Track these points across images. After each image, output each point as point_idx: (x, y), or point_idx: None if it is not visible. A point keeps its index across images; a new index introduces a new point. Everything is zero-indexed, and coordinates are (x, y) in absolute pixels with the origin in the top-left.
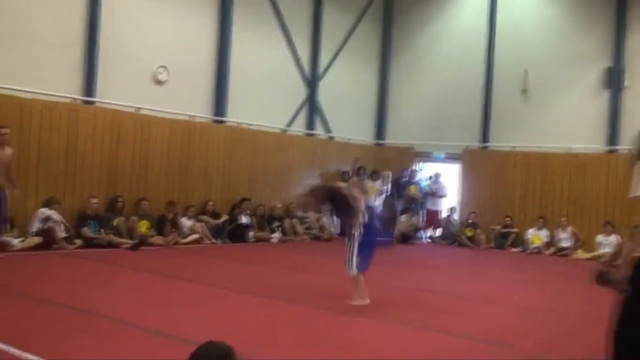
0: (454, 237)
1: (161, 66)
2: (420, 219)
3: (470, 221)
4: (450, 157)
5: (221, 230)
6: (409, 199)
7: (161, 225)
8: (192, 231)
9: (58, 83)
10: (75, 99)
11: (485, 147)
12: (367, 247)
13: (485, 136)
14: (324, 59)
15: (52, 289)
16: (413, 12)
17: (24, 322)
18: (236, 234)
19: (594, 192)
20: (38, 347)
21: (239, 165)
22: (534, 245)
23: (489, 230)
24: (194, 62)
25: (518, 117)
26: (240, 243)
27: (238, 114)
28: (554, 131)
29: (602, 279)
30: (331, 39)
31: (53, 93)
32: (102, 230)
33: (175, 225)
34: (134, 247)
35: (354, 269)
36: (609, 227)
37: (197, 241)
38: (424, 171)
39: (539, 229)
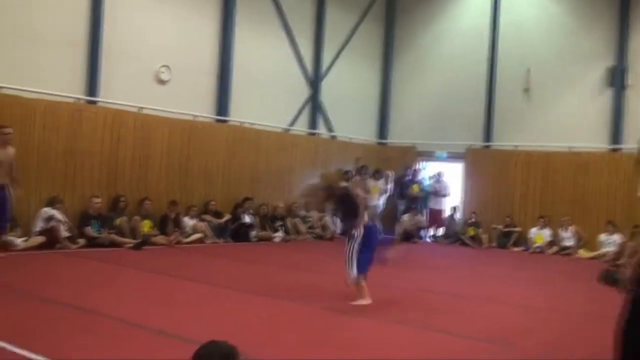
0: (456, 236)
1: (164, 66)
2: (424, 218)
3: (472, 220)
4: (453, 156)
5: (224, 230)
6: (412, 198)
7: (164, 224)
8: (195, 230)
9: (61, 83)
10: (78, 98)
11: (487, 146)
12: (367, 248)
13: (487, 135)
14: (326, 58)
15: (55, 288)
16: (415, 11)
17: (27, 322)
18: (239, 233)
19: (596, 191)
20: (41, 346)
21: (242, 164)
22: (537, 245)
23: (492, 230)
24: (196, 62)
25: (520, 116)
26: (243, 242)
27: (240, 113)
28: (557, 130)
29: (608, 278)
30: (334, 38)
31: (56, 93)
32: (105, 229)
33: (177, 224)
34: (137, 247)
35: (354, 273)
36: (611, 226)
37: (199, 240)
38: (427, 170)
39: (542, 228)
